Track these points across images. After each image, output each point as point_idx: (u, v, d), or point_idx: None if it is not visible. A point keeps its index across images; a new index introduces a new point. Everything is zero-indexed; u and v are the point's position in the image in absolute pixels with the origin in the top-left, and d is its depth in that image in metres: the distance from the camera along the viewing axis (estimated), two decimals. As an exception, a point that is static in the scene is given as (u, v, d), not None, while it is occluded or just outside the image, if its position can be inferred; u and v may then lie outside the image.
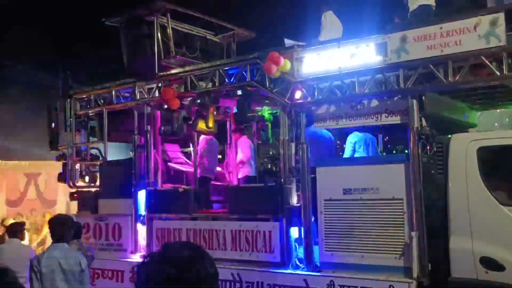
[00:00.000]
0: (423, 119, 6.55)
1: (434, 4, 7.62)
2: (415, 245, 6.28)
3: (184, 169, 9.87)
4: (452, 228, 6.25)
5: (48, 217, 16.00)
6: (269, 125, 10.44)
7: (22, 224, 8.91)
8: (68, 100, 10.11)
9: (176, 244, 2.04)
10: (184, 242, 2.11)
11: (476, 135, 6.56)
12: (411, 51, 6.44)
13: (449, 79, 6.27)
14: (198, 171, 9.64)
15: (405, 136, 6.79)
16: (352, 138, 8.45)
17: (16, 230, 8.21)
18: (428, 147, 6.52)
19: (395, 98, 6.75)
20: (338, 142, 9.30)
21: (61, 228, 5.39)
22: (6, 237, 8.68)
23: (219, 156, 11.54)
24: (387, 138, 9.69)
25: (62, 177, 10.16)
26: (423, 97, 6.52)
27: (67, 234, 5.45)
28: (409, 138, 6.51)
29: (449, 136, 6.60)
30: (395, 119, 6.70)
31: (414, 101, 6.50)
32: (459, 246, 6.14)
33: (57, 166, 10.58)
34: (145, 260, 2.02)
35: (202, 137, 9.43)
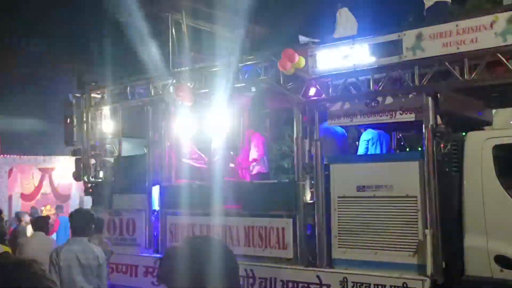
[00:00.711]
0: (438, 116, 6.53)
1: (449, 0, 7.58)
2: (429, 243, 6.26)
3: (198, 165, 9.90)
4: (466, 226, 6.23)
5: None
6: None
7: (47, 218, 9.05)
8: (83, 96, 10.19)
9: (198, 239, 2.07)
10: (205, 237, 2.14)
11: (491, 133, 6.53)
12: (427, 49, 6.42)
13: (465, 76, 6.25)
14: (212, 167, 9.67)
15: (419, 134, 6.77)
16: (366, 136, 8.44)
17: (41, 224, 8.36)
18: (443, 145, 6.50)
19: (410, 95, 6.73)
20: (352, 139, 9.29)
21: (81, 222, 5.45)
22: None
23: (231, 153, 11.55)
24: (400, 135, 9.64)
25: (76, 175, 10.25)
26: (438, 95, 6.50)
27: (87, 228, 5.51)
28: (424, 136, 6.49)
29: (464, 133, 6.57)
30: (410, 117, 6.69)
31: (429, 99, 6.47)
32: (474, 244, 6.12)
33: (72, 161, 10.68)
34: (168, 253, 2.06)
35: (215, 133, 9.45)
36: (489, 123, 7.63)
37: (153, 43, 9.58)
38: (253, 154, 9.92)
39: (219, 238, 7.92)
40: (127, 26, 10.18)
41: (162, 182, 8.92)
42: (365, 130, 8.50)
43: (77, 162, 10.23)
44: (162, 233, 8.77)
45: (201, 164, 9.82)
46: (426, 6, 7.70)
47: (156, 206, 8.97)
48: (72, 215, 5.64)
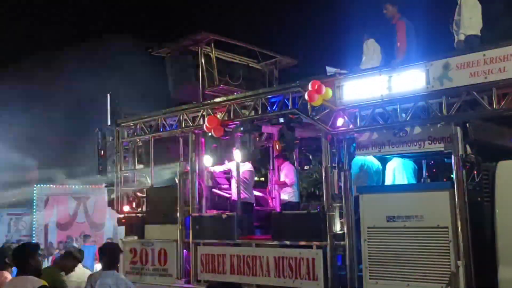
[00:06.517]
0: (467, 146, 6.48)
1: (479, 33, 7.55)
2: (462, 275, 6.18)
3: (228, 195, 9.98)
4: (500, 257, 6.10)
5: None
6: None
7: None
8: (116, 128, 10.43)
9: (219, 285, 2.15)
10: (225, 283, 2.22)
11: (523, 162, 6.42)
12: (454, 79, 6.42)
13: (494, 106, 6.21)
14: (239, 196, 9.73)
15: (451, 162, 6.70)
16: (392, 164, 8.39)
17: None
18: (473, 174, 6.43)
19: (438, 125, 6.70)
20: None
21: (111, 255, 5.60)
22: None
23: (262, 179, 11.63)
24: (432, 162, 9.53)
25: (111, 202, 10.44)
26: (467, 124, 6.46)
27: (116, 261, 5.66)
28: (453, 166, 6.44)
29: (495, 162, 6.49)
30: (439, 147, 6.66)
31: (458, 128, 6.45)
32: (509, 276, 5.98)
33: (106, 191, 10.88)
34: None
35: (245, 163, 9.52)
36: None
37: (183, 76, 9.80)
38: (283, 179, 9.95)
39: (241, 269, 7.96)
40: (157, 59, 10.46)
41: (192, 213, 9.01)
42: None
43: (110, 193, 10.43)
44: (193, 263, 8.83)
45: (231, 194, 9.90)
46: (457, 40, 7.69)
47: (187, 236, 9.03)
48: (102, 250, 5.80)
